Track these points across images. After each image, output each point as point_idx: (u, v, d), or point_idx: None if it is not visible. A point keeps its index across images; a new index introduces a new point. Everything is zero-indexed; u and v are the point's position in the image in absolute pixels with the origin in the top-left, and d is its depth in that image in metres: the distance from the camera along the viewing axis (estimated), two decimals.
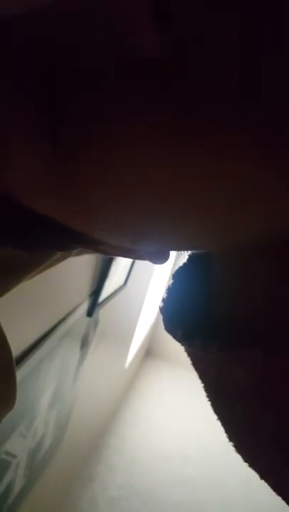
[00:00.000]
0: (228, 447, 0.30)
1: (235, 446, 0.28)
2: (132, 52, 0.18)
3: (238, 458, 0.29)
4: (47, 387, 1.18)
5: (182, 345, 0.28)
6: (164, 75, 0.18)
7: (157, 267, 2.78)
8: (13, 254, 0.36)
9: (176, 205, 0.20)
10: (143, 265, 2.14)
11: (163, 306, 0.31)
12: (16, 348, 0.91)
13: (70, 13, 0.18)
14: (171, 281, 0.32)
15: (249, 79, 0.17)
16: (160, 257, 0.28)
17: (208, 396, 0.29)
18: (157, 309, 3.43)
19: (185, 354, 0.30)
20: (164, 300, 0.32)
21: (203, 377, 0.28)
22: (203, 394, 0.30)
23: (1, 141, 0.19)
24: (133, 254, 0.28)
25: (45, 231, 0.25)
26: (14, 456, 1.05)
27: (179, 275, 0.32)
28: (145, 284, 2.71)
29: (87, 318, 1.42)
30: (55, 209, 0.22)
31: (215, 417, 0.30)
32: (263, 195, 0.19)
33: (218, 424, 0.30)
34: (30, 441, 1.17)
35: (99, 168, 0.19)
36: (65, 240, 0.27)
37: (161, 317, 0.32)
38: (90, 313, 1.41)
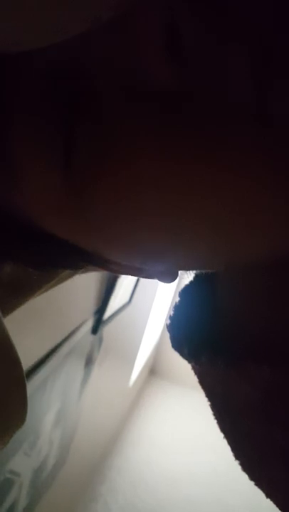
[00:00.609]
0: (234, 467, 0.30)
1: (241, 464, 0.28)
2: (145, 80, 0.18)
3: (245, 477, 0.29)
4: (51, 405, 1.18)
5: (189, 362, 0.29)
6: (176, 103, 0.18)
7: (162, 285, 2.78)
8: (21, 272, 0.36)
9: (189, 226, 0.21)
10: (147, 283, 2.14)
11: (170, 324, 0.31)
12: None
13: (89, 44, 0.19)
14: (178, 299, 0.33)
15: (262, 106, 0.18)
16: (169, 276, 0.29)
17: (214, 414, 0.29)
18: (161, 327, 3.42)
19: (189, 373, 0.30)
20: (170, 318, 0.32)
21: (209, 394, 0.29)
22: (209, 413, 0.30)
23: (16, 162, 0.20)
24: (142, 273, 0.29)
25: (54, 249, 0.26)
26: (18, 475, 1.04)
27: (185, 293, 0.33)
28: (149, 302, 2.70)
29: (92, 336, 1.41)
30: (67, 229, 0.23)
31: (220, 436, 0.30)
32: (271, 218, 0.20)
33: (224, 443, 0.30)
34: (34, 460, 1.16)
35: (112, 191, 0.20)
36: (75, 258, 0.27)
37: (165, 335, 0.32)
38: (94, 330, 1.41)
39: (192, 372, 0.30)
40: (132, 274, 0.30)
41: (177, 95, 0.18)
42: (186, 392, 3.38)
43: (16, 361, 0.30)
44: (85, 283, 1.23)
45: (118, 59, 0.19)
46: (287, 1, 0.18)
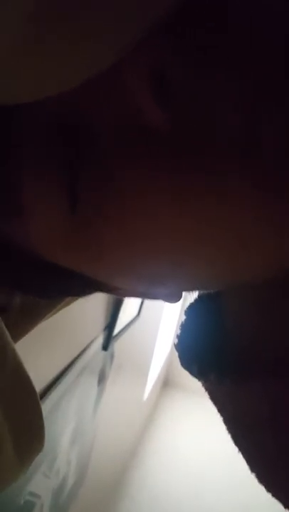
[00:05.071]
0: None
1: (257, 476, 0.28)
2: (137, 120, 0.19)
3: None
4: (67, 424, 1.18)
5: (199, 380, 0.29)
6: (166, 138, 0.19)
7: None
8: (30, 300, 0.37)
9: (189, 253, 0.21)
10: None
11: (178, 343, 0.32)
12: None
13: (86, 93, 0.19)
14: (184, 317, 0.34)
15: (248, 139, 0.19)
16: (173, 297, 0.29)
17: (227, 428, 0.30)
18: (172, 338, 3.40)
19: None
20: (178, 337, 0.33)
21: (221, 411, 0.29)
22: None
23: (23, 205, 0.21)
24: (147, 296, 0.29)
25: (61, 280, 0.27)
26: (38, 497, 1.04)
27: (191, 311, 0.33)
28: (159, 313, 2.70)
29: (103, 352, 1.42)
30: (75, 262, 0.24)
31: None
32: (262, 241, 0.21)
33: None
34: (53, 480, 1.15)
35: (115, 227, 0.21)
36: (81, 286, 0.28)
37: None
38: (105, 346, 1.41)
39: None
40: (137, 297, 0.31)
41: (169, 134, 0.19)
42: (200, 400, 3.36)
43: (32, 391, 0.31)
44: (93, 299, 1.24)
45: (111, 106, 0.19)
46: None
